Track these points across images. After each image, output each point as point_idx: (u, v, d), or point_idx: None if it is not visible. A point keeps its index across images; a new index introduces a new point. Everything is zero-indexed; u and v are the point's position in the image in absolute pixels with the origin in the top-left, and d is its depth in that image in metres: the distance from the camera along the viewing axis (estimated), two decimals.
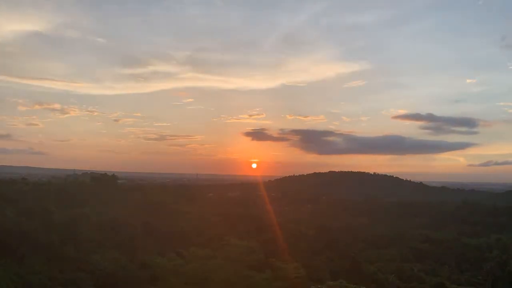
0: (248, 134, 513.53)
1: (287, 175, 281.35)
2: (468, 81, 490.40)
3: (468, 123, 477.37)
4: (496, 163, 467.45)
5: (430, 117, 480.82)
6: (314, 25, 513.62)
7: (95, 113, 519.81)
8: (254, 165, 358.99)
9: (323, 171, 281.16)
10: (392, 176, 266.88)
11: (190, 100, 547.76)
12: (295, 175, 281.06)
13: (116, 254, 45.07)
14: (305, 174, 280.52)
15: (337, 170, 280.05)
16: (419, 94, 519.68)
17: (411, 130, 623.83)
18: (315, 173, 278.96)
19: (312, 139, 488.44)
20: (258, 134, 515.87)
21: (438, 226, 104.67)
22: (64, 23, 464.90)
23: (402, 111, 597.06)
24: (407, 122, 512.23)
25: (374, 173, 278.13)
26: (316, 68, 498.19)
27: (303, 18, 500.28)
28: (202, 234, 65.04)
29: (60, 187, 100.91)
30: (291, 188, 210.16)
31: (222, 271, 31.11)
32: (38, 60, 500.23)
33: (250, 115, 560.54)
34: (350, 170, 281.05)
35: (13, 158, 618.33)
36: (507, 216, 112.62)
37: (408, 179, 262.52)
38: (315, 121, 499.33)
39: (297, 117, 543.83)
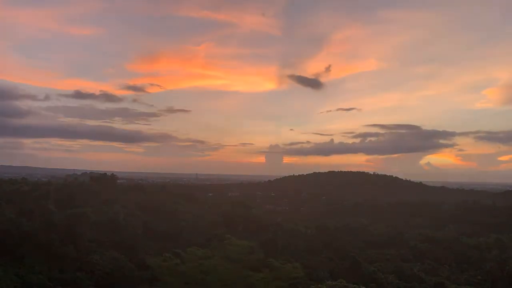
0: None
1: (287, 175, 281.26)
2: None
3: None
4: None
5: None
6: None
7: None
8: None
9: (323, 171, 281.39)
10: (392, 176, 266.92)
11: None
12: (295, 175, 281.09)
13: (116, 254, 45.13)
14: (305, 174, 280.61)
15: (337, 170, 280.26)
16: None
17: None
18: (315, 173, 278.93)
19: None
20: None
21: (438, 226, 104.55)
22: None
23: None
24: None
25: (374, 173, 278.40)
26: None
27: None
28: (202, 234, 65.06)
29: (60, 187, 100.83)
30: (291, 188, 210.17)
31: (221, 271, 31.10)
32: None
33: None
34: (350, 170, 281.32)
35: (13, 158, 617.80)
36: (507, 216, 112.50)
37: (408, 179, 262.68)
38: None
39: None
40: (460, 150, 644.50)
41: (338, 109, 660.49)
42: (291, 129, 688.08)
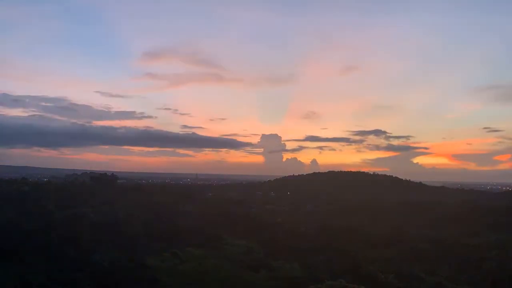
0: None
1: (287, 175, 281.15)
2: None
3: None
4: None
5: None
6: None
7: None
8: None
9: (323, 171, 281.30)
10: (392, 176, 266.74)
11: None
12: (295, 175, 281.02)
13: (116, 254, 45.11)
14: (305, 174, 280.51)
15: (337, 170, 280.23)
16: None
17: None
18: (314, 173, 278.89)
19: None
20: None
21: (438, 226, 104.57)
22: None
23: None
24: None
25: (374, 173, 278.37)
26: None
27: None
28: (202, 234, 65.06)
29: (60, 187, 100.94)
30: (291, 188, 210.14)
31: (220, 271, 31.16)
32: None
33: None
34: (350, 170, 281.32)
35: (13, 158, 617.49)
36: (507, 216, 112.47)
37: (408, 179, 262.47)
38: None
39: None
40: (443, 150, 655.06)
41: (331, 110, 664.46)
42: (289, 129, 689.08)
